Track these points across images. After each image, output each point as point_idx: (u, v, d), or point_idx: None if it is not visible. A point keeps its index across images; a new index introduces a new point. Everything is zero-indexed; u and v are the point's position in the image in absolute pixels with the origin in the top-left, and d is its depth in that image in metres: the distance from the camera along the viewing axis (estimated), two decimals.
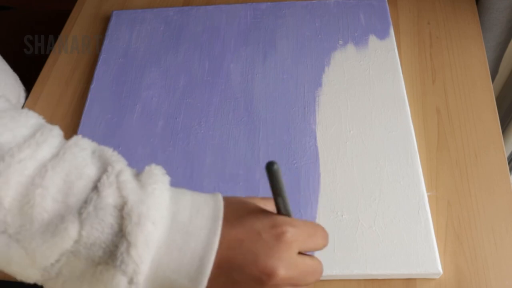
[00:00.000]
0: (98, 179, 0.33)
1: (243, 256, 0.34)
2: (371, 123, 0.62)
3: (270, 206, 0.38)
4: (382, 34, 0.71)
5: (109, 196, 0.32)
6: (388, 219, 0.54)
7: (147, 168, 0.35)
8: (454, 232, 0.54)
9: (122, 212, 0.32)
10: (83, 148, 0.35)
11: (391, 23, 0.73)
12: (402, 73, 0.68)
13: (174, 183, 0.59)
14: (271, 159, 0.59)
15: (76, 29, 0.80)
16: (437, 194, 0.57)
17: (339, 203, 0.55)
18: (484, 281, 0.51)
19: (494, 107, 0.64)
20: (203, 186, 0.57)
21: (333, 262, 0.51)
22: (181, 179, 0.58)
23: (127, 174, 0.34)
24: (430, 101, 0.65)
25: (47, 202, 0.31)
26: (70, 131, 0.65)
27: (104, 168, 0.34)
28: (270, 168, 0.34)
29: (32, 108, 0.68)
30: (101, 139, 0.62)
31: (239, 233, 0.35)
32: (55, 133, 0.35)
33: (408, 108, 0.63)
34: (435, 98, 0.66)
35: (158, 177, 0.35)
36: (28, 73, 0.80)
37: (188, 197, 0.36)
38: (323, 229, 0.38)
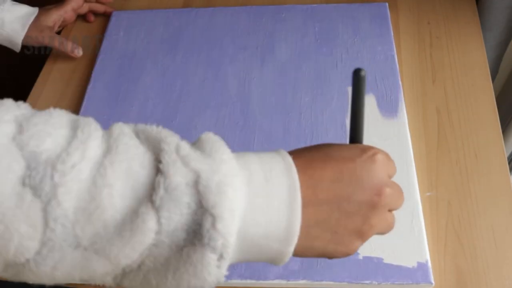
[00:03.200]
0: (159, 161, 0.30)
1: (347, 185, 0.34)
2: (367, 130, 0.61)
3: None
4: (382, 39, 0.71)
5: (177, 174, 0.29)
6: None
7: (203, 136, 0.33)
8: (454, 232, 0.54)
9: (197, 187, 0.29)
10: (130, 136, 0.32)
11: (391, 28, 0.72)
12: (402, 73, 0.68)
13: None
14: None
15: (76, 29, 0.80)
16: (437, 194, 0.57)
17: None
18: (484, 281, 0.51)
19: (494, 107, 0.64)
20: None
21: (323, 271, 0.51)
22: None
23: (186, 147, 0.31)
24: (430, 101, 0.65)
25: (116, 201, 0.29)
26: None
27: (158, 147, 0.31)
28: (357, 74, 0.32)
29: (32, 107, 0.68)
30: None
31: (334, 165, 0.35)
32: (94, 126, 0.32)
33: (405, 115, 0.62)
34: (435, 98, 0.66)
35: (218, 143, 0.33)
36: (28, 73, 0.80)
37: (254, 159, 0.34)
38: (393, 161, 0.40)
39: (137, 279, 0.31)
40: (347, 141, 0.40)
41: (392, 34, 0.72)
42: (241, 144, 0.61)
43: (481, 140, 0.61)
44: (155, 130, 0.33)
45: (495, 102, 0.64)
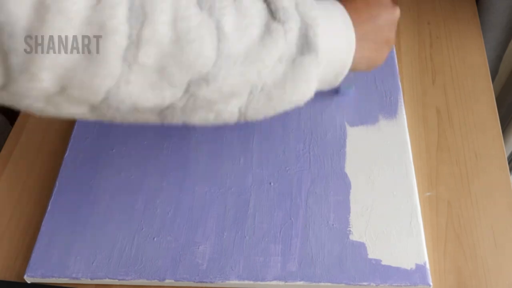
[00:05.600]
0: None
1: (377, 7, 0.49)
2: (366, 130, 0.62)
3: None
4: None
5: (284, 1, 0.39)
6: (380, 230, 0.53)
7: None
8: (454, 232, 0.54)
9: (298, 8, 0.40)
10: None
11: None
12: (402, 73, 0.68)
13: (166, 187, 0.58)
14: (263, 164, 0.59)
15: None
16: (436, 194, 0.57)
17: (330, 212, 0.55)
18: (484, 281, 0.51)
19: (494, 107, 0.64)
20: (195, 191, 0.57)
21: (321, 272, 0.51)
22: (173, 183, 0.58)
23: None
24: (430, 101, 0.65)
25: (256, 20, 0.38)
26: (65, 131, 0.64)
27: None
28: None
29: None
30: (95, 140, 0.62)
31: (367, 2, 0.49)
32: None
33: (405, 116, 0.62)
34: (435, 98, 0.65)
35: None
36: None
37: (319, 4, 0.44)
38: None
39: (260, 101, 0.41)
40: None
41: None
42: (240, 144, 0.61)
43: (481, 140, 0.61)
44: None
45: (495, 102, 0.64)
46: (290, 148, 0.61)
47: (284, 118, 0.64)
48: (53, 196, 0.58)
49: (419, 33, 0.73)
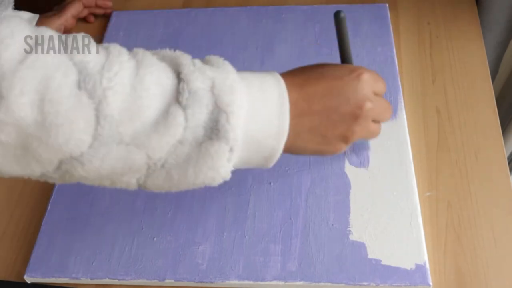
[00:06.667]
0: (179, 73, 0.37)
1: (335, 99, 0.43)
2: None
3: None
4: (382, 40, 0.71)
5: (197, 81, 0.37)
6: (379, 230, 0.53)
7: (208, 57, 0.41)
8: (454, 232, 0.54)
9: (213, 91, 0.37)
10: (151, 55, 0.39)
11: (391, 29, 0.72)
12: (402, 73, 0.68)
13: None
14: None
15: (76, 29, 0.80)
16: (437, 194, 0.57)
17: (330, 212, 0.55)
18: (484, 281, 0.50)
19: (494, 107, 0.64)
20: (194, 191, 0.57)
21: (321, 272, 0.51)
22: None
23: (199, 62, 0.39)
24: (430, 101, 0.65)
25: (152, 103, 0.35)
26: None
27: (176, 63, 0.38)
28: (337, 16, 0.42)
29: None
30: None
31: (326, 82, 0.43)
32: (119, 46, 0.38)
33: (405, 116, 0.62)
34: (435, 98, 0.65)
35: (222, 60, 0.41)
36: None
37: (250, 74, 0.42)
38: (383, 81, 0.47)
39: (160, 178, 0.38)
40: None
41: (392, 35, 0.71)
42: None
43: (481, 140, 0.61)
44: (168, 51, 0.40)
45: (495, 102, 0.64)
46: None
47: None
48: (53, 196, 0.58)
49: (419, 34, 0.73)
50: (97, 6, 0.81)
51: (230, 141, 0.37)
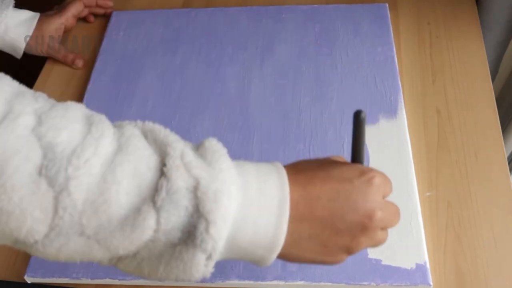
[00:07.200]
0: (164, 165, 0.33)
1: (342, 205, 0.36)
2: (367, 132, 0.61)
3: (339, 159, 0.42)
4: (382, 40, 0.71)
5: (179, 179, 0.32)
6: None
7: (206, 143, 0.35)
8: (454, 232, 0.54)
9: (196, 192, 0.32)
10: (140, 138, 0.35)
11: (391, 29, 0.72)
12: (402, 73, 0.68)
13: None
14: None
15: (76, 29, 0.80)
16: (437, 194, 0.57)
17: None
18: (484, 281, 0.51)
19: (494, 107, 0.64)
20: None
21: (321, 272, 0.51)
22: None
23: (190, 155, 0.34)
24: (430, 101, 0.65)
25: (122, 198, 0.31)
26: None
27: (164, 151, 0.34)
28: (358, 116, 0.37)
29: None
30: None
31: (333, 184, 0.37)
32: (106, 124, 0.34)
33: (405, 116, 0.62)
34: (435, 98, 0.65)
35: (220, 152, 0.35)
36: (28, 72, 0.80)
37: (252, 169, 0.36)
38: (391, 183, 0.42)
39: (130, 266, 0.34)
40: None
41: (392, 34, 0.72)
42: (240, 144, 0.61)
43: (481, 140, 0.61)
44: (162, 133, 0.35)
45: (495, 102, 0.64)
46: (290, 148, 0.61)
47: (284, 118, 0.64)
48: None
49: (419, 34, 0.73)
50: (97, 5, 0.81)
51: (208, 251, 0.32)
